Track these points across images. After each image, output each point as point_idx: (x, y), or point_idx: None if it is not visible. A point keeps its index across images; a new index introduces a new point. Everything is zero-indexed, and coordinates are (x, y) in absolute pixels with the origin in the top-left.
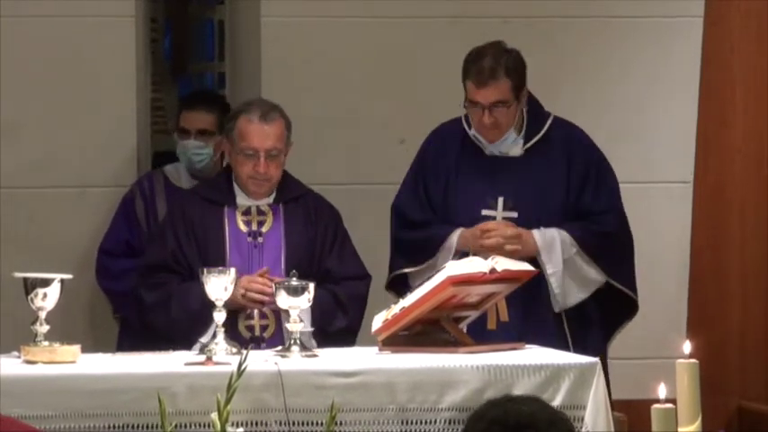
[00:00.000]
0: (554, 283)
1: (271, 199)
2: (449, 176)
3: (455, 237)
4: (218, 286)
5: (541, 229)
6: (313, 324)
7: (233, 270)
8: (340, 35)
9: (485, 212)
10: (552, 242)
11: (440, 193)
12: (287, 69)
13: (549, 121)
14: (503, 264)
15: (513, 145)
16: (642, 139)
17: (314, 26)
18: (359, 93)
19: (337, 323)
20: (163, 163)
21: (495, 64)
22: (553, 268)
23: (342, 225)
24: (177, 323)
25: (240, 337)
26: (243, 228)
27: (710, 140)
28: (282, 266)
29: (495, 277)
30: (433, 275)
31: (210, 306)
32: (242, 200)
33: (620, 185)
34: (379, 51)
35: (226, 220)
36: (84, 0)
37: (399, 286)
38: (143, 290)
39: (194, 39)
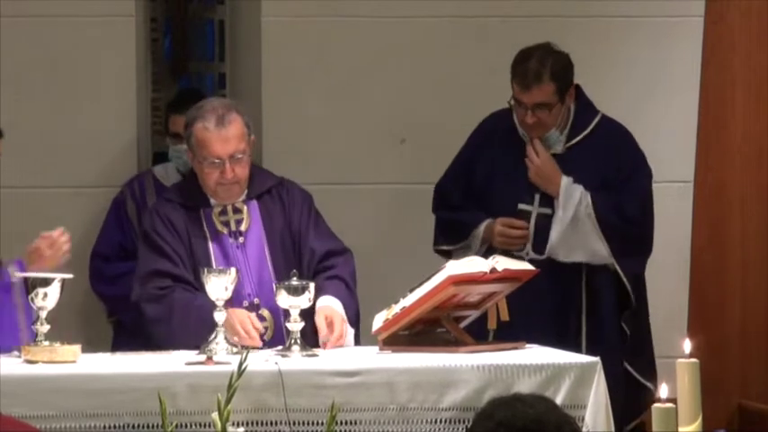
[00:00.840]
0: (555, 229)
1: (243, 195)
2: (492, 167)
3: (482, 226)
4: (219, 286)
5: (571, 179)
6: (350, 321)
7: (233, 270)
8: (341, 35)
9: (521, 207)
10: (573, 193)
11: (481, 181)
12: (287, 69)
13: (595, 120)
14: (503, 263)
15: (555, 142)
16: (643, 139)
17: (314, 26)
18: (360, 92)
19: (356, 306)
20: (159, 161)
21: (540, 67)
22: (562, 213)
23: (313, 205)
24: (178, 336)
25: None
26: (222, 229)
27: (711, 140)
28: (269, 262)
29: (495, 277)
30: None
31: (211, 318)
32: (215, 200)
33: None
34: (380, 51)
35: (204, 223)
36: (85, 0)
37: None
38: (144, 303)
39: (194, 39)
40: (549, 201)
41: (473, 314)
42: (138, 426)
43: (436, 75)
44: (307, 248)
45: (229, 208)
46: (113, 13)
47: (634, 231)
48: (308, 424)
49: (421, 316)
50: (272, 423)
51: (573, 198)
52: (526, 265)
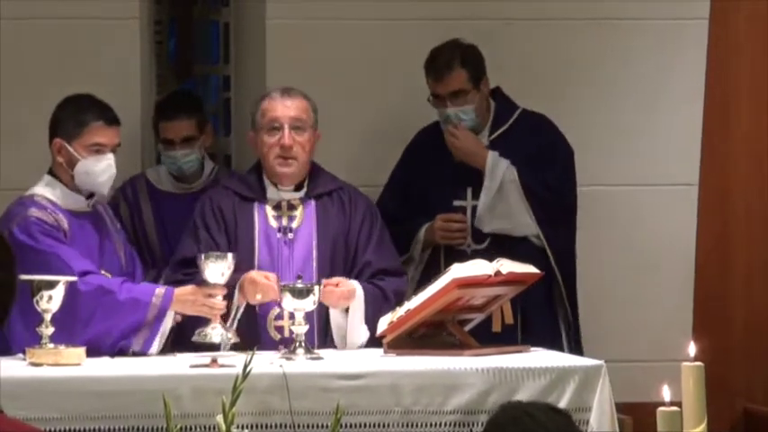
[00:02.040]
0: (483, 197)
1: (302, 193)
2: (425, 175)
3: (422, 231)
4: (216, 271)
5: (497, 153)
6: (367, 321)
7: (230, 255)
8: (345, 37)
9: (456, 203)
10: (498, 163)
11: (417, 191)
12: (292, 71)
13: (515, 115)
14: (507, 266)
15: (479, 138)
16: (648, 142)
17: (319, 28)
18: (364, 95)
19: (385, 309)
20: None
21: (449, 57)
22: (489, 182)
23: (379, 218)
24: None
25: (270, 339)
26: (273, 223)
27: (716, 143)
28: (314, 263)
29: (499, 280)
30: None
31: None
32: (272, 194)
33: (626, 188)
34: (383, 53)
35: (256, 216)
36: (89, 2)
37: None
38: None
39: (199, 41)
40: (479, 193)
41: (477, 317)
42: (143, 428)
43: None
44: (362, 260)
45: (284, 204)
46: (118, 15)
47: (558, 200)
48: (313, 427)
49: (425, 319)
50: (276, 426)
51: (499, 168)
52: (530, 268)
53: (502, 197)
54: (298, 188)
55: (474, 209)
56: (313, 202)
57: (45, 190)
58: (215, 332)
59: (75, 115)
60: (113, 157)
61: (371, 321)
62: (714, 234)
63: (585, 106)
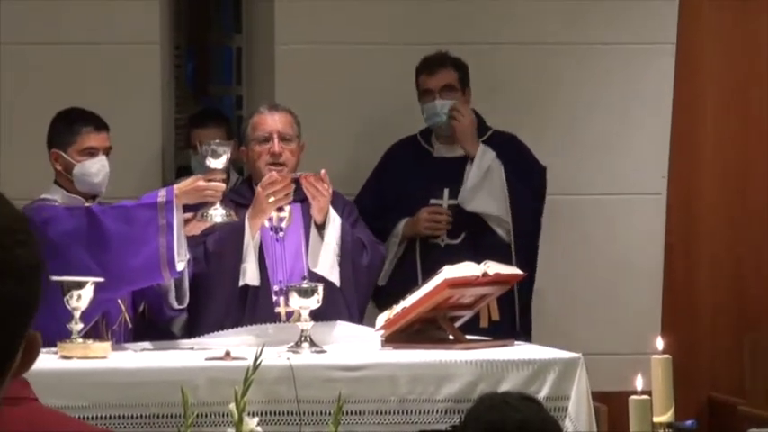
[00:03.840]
0: (472, 174)
1: (289, 198)
2: (405, 176)
3: (401, 225)
4: (217, 156)
5: (487, 147)
6: (343, 254)
7: (231, 142)
8: (351, 61)
9: (433, 201)
10: (489, 151)
11: (396, 188)
12: (300, 93)
13: (489, 133)
14: (494, 268)
15: (456, 147)
16: (619, 155)
17: (323, 52)
18: (369, 117)
19: (363, 260)
20: (183, 175)
21: (442, 57)
22: (479, 161)
23: (355, 210)
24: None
25: (275, 315)
26: (266, 223)
27: (682, 155)
28: (304, 258)
29: (487, 280)
30: (431, 278)
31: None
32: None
33: (600, 197)
34: (389, 76)
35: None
36: (113, 28)
37: None
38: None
39: (214, 64)
40: (456, 193)
41: (467, 314)
42: (163, 416)
43: None
44: None
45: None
46: (140, 40)
47: (532, 202)
48: (317, 414)
49: (420, 316)
50: (284, 413)
51: (489, 153)
52: (514, 270)
53: (488, 177)
54: None
55: (449, 207)
56: (299, 205)
57: (50, 195)
58: (216, 213)
59: (67, 126)
60: (106, 158)
61: (348, 257)
62: (680, 239)
63: (562, 121)
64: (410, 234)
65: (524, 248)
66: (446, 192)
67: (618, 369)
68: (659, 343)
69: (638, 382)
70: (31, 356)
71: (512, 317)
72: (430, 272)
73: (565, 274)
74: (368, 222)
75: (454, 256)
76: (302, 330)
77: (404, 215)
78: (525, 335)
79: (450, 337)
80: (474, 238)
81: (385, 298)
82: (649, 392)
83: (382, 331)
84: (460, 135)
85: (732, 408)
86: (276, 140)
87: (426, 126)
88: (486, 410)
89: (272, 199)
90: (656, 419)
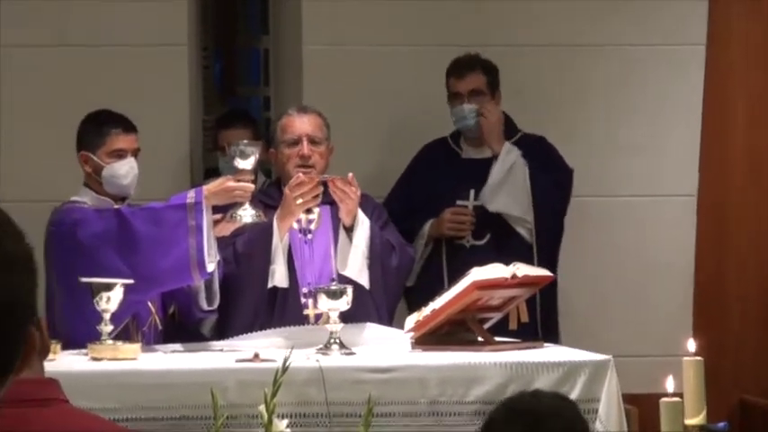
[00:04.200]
0: (494, 171)
1: (318, 200)
2: (433, 177)
3: (427, 225)
4: (246, 156)
5: (512, 146)
6: (372, 256)
7: (259, 143)
8: (378, 62)
9: (459, 202)
10: (514, 149)
11: (422, 194)
12: (327, 94)
13: (517, 136)
14: (523, 270)
15: (485, 149)
16: (649, 157)
17: (350, 53)
18: (397, 118)
19: (392, 262)
20: (211, 177)
21: (471, 60)
22: (504, 156)
23: (385, 213)
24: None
25: (303, 317)
26: (294, 225)
27: (713, 156)
28: (332, 260)
29: (516, 282)
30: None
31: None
32: None
33: (630, 199)
34: (416, 78)
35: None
36: (142, 30)
37: None
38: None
39: (242, 65)
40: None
41: (496, 316)
42: (192, 417)
43: None
44: None
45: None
46: (168, 42)
47: (559, 197)
48: (347, 416)
49: (449, 318)
50: (313, 415)
51: (513, 152)
52: (543, 272)
53: (510, 174)
54: None
55: (475, 209)
56: (328, 207)
57: (79, 197)
58: (246, 213)
59: (96, 128)
60: (134, 160)
61: (377, 259)
62: (711, 240)
63: (593, 124)
64: (435, 235)
65: (546, 249)
66: (472, 193)
67: (648, 371)
68: (691, 345)
69: (669, 385)
70: (29, 353)
71: (534, 319)
72: (456, 273)
73: (595, 275)
74: (397, 223)
75: (479, 257)
76: (331, 332)
77: (431, 216)
78: (551, 337)
79: (480, 339)
80: (498, 238)
81: (412, 298)
82: (680, 395)
83: (411, 333)
84: (486, 132)
85: (764, 410)
86: (305, 143)
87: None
88: (514, 401)
89: (300, 201)
90: (687, 422)
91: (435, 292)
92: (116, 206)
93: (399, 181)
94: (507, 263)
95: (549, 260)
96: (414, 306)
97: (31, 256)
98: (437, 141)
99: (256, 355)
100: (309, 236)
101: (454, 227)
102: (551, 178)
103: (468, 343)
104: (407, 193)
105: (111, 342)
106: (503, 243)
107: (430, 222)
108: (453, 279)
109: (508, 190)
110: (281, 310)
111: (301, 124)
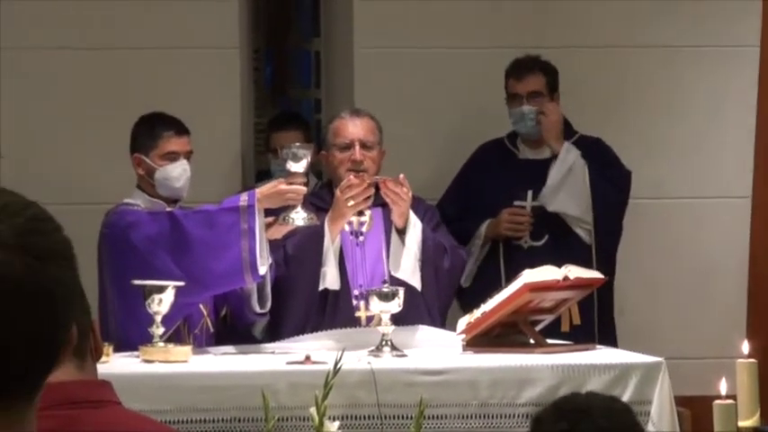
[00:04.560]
0: (554, 170)
1: (369, 202)
2: (489, 177)
3: (484, 226)
4: (298, 159)
5: (572, 145)
6: (425, 258)
7: (311, 145)
8: (429, 65)
9: (516, 203)
10: (573, 149)
11: (479, 194)
12: (377, 95)
13: (575, 137)
14: (575, 272)
15: (543, 150)
16: (704, 158)
17: (401, 56)
18: (449, 121)
19: (444, 263)
20: (262, 178)
21: (531, 61)
22: (564, 156)
23: (437, 215)
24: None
25: (355, 319)
26: (345, 227)
27: (767, 158)
28: (384, 263)
29: (568, 284)
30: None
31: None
32: None
33: (685, 200)
34: (468, 80)
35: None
36: (193, 33)
37: None
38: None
39: (293, 68)
40: (539, 195)
41: (548, 318)
42: (244, 419)
43: None
44: None
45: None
46: (220, 45)
47: (619, 198)
48: (398, 418)
49: (500, 320)
50: (364, 417)
51: (573, 152)
52: (595, 274)
53: (570, 175)
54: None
55: (533, 209)
56: (380, 210)
57: (132, 200)
58: (298, 216)
59: (149, 130)
60: (187, 163)
61: (429, 261)
62: (766, 241)
63: (644, 125)
64: (492, 235)
65: (605, 250)
66: (530, 193)
67: (702, 373)
68: (745, 347)
69: (723, 387)
70: (65, 351)
71: (590, 320)
72: (513, 274)
73: (650, 277)
74: (452, 224)
75: (537, 258)
76: (383, 334)
77: (488, 217)
78: (608, 338)
79: (531, 341)
80: (557, 239)
81: (469, 299)
82: (734, 397)
83: (463, 335)
84: (546, 131)
85: None
86: (357, 148)
87: (513, 129)
88: (564, 401)
89: (351, 203)
90: (740, 424)
91: (492, 294)
92: (168, 208)
93: (454, 182)
94: (565, 264)
95: (608, 261)
96: (469, 307)
97: (69, 248)
98: (493, 142)
99: (307, 358)
100: (361, 238)
101: (512, 227)
102: (610, 179)
103: (520, 345)
104: (463, 195)
105: (162, 344)
106: (561, 244)
107: (487, 223)
108: (510, 280)
109: (568, 190)
110: (333, 312)
111: (354, 128)
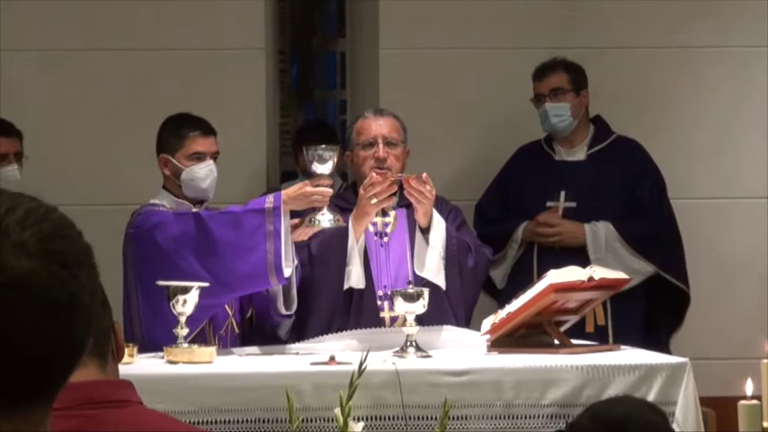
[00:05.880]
0: (591, 256)
1: (393, 199)
2: (525, 179)
3: (520, 229)
4: (324, 161)
5: (592, 222)
6: (449, 257)
7: (336, 147)
8: (454, 65)
9: (549, 204)
10: (597, 233)
11: (516, 195)
12: (402, 96)
13: (612, 137)
14: (600, 272)
15: (577, 151)
16: (726, 159)
17: (426, 57)
18: (474, 121)
19: (468, 262)
20: (288, 179)
21: (553, 61)
22: (595, 255)
23: (461, 215)
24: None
25: (379, 320)
26: (370, 228)
27: None
28: (409, 263)
29: (592, 285)
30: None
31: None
32: None
33: (707, 201)
34: (486, 79)
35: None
36: (220, 34)
37: None
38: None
39: (318, 69)
40: (572, 196)
41: (572, 319)
42: (268, 420)
43: None
44: None
45: (379, 211)
46: (246, 46)
47: (662, 235)
48: (423, 419)
49: (525, 320)
50: (389, 418)
51: (599, 231)
52: (620, 275)
53: (611, 255)
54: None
55: (565, 210)
56: (404, 210)
57: (158, 200)
58: (324, 218)
59: (175, 131)
60: (214, 163)
61: (454, 260)
62: None
63: (669, 126)
64: (528, 238)
65: (675, 269)
66: (562, 194)
67: (727, 374)
68: None
69: (748, 388)
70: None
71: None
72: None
73: None
74: (493, 225)
75: (570, 260)
76: (408, 335)
77: (522, 217)
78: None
79: (556, 341)
80: None
81: (502, 299)
82: (759, 397)
83: (488, 336)
84: (565, 241)
85: None
86: (381, 145)
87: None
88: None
89: (374, 200)
90: (766, 425)
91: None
92: (194, 209)
93: (493, 183)
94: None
95: (682, 274)
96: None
97: (91, 255)
98: (531, 144)
99: (332, 358)
100: (385, 239)
101: (535, 238)
102: (648, 184)
103: (544, 346)
104: (501, 196)
105: (186, 345)
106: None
107: (523, 226)
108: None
109: (616, 267)
110: (357, 312)
111: (377, 126)
